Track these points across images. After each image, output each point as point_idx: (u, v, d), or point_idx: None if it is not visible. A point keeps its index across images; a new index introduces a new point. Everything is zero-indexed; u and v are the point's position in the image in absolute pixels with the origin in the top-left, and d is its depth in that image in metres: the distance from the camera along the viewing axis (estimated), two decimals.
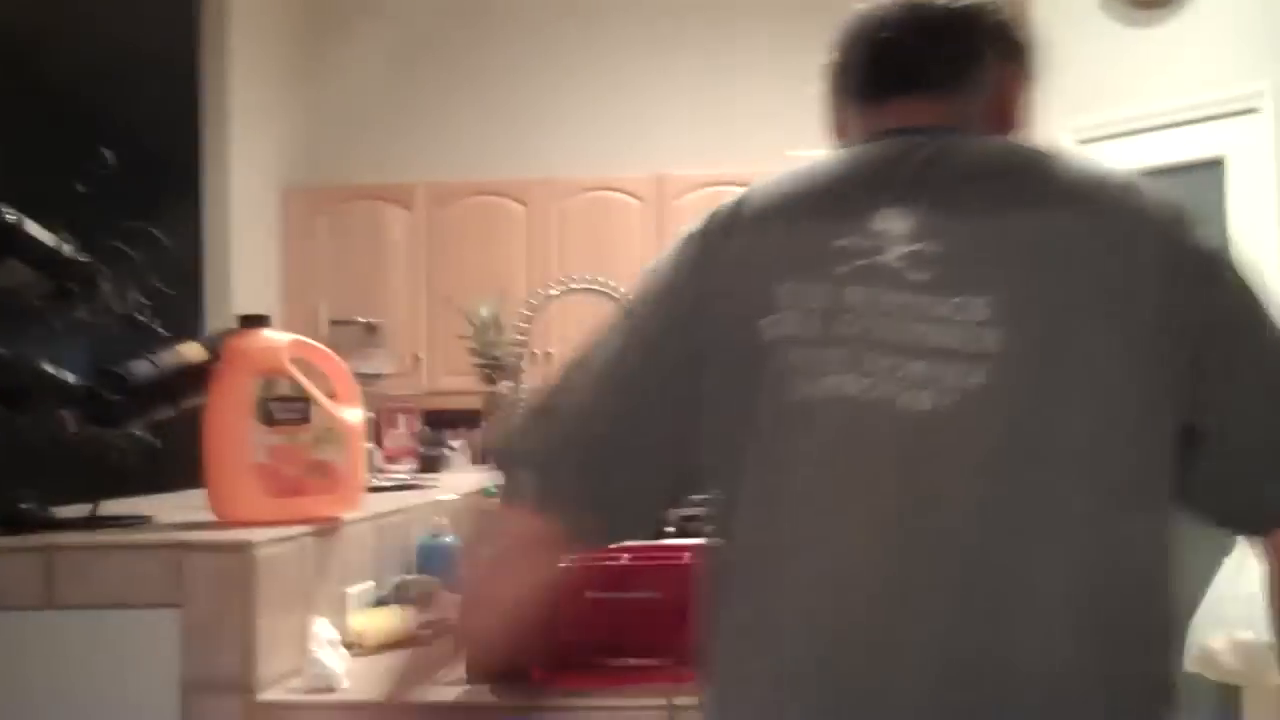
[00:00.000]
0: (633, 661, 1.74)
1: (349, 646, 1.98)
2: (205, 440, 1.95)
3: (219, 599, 1.74)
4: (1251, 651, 3.32)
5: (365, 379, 2.67)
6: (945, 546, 1.20)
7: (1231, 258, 1.32)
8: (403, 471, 3.58)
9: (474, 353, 3.77)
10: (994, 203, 1.28)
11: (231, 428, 1.93)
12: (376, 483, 2.87)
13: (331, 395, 2.05)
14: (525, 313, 3.04)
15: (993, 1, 1.45)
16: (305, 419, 1.97)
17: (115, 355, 1.98)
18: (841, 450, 1.25)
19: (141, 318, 1.99)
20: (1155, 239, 1.27)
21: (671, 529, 2.22)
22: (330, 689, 1.81)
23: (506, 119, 6.29)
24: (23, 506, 1.93)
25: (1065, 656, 1.20)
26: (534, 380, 3.44)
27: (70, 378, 1.93)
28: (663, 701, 1.68)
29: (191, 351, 2.02)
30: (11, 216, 1.81)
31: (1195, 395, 1.26)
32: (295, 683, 1.83)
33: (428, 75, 6.32)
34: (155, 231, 1.96)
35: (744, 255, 1.34)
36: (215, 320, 5.23)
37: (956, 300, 1.24)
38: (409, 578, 2.32)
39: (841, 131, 1.47)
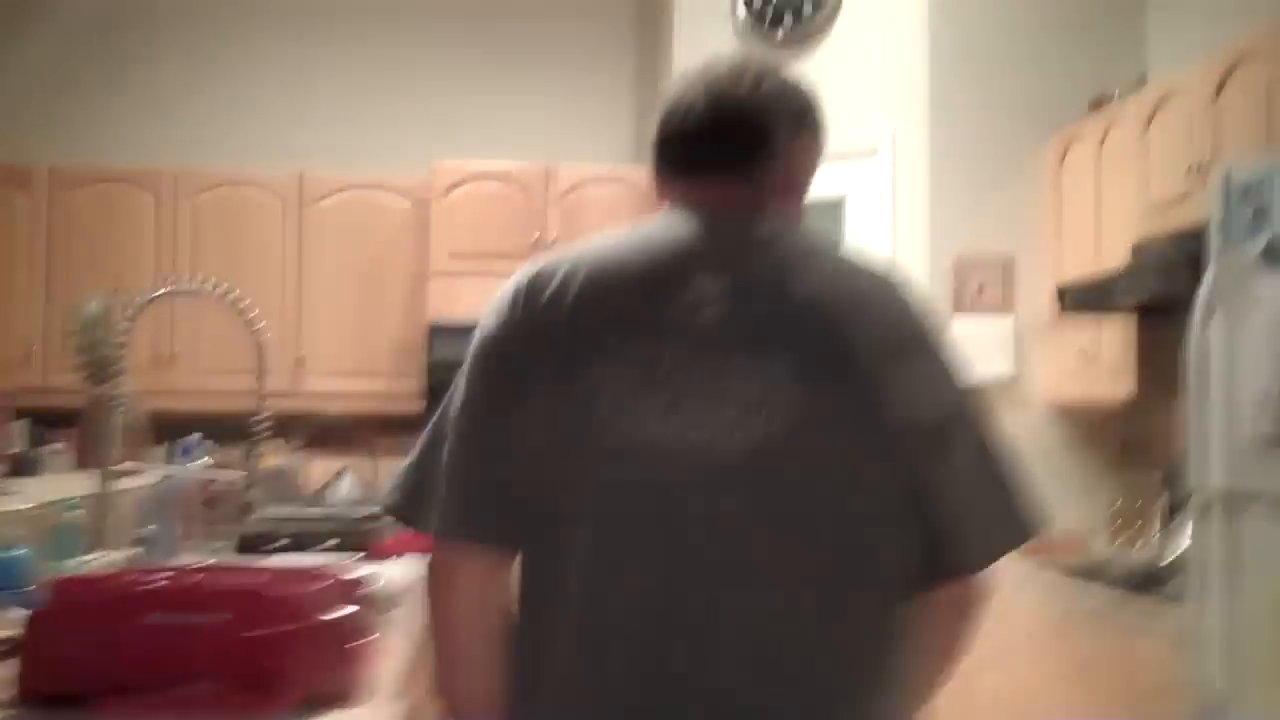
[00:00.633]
0: (195, 687, 1.65)
1: None
2: None
3: None
4: None
5: None
6: (730, 565, 1.46)
7: (943, 341, 1.58)
8: None
9: (79, 350, 3.55)
10: (783, 281, 1.53)
11: None
12: None
13: None
14: (128, 312, 2.88)
15: (785, 81, 1.71)
16: None
17: None
18: (656, 486, 1.47)
19: None
20: (890, 322, 1.54)
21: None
22: None
23: (143, 104, 5.96)
24: None
25: (799, 700, 1.45)
26: (140, 384, 3.28)
27: None
28: None
29: None
30: None
31: (911, 462, 1.51)
32: None
33: (55, 47, 5.92)
34: None
35: (570, 312, 1.53)
36: None
37: (756, 359, 1.49)
38: None
39: (661, 195, 1.69)
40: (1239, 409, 2.42)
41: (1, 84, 5.87)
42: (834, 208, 4.88)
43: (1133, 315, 4.08)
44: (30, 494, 2.68)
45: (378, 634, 2.05)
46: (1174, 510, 3.82)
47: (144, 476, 3.03)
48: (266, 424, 3.01)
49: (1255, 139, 3.11)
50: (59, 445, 3.80)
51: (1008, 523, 1.57)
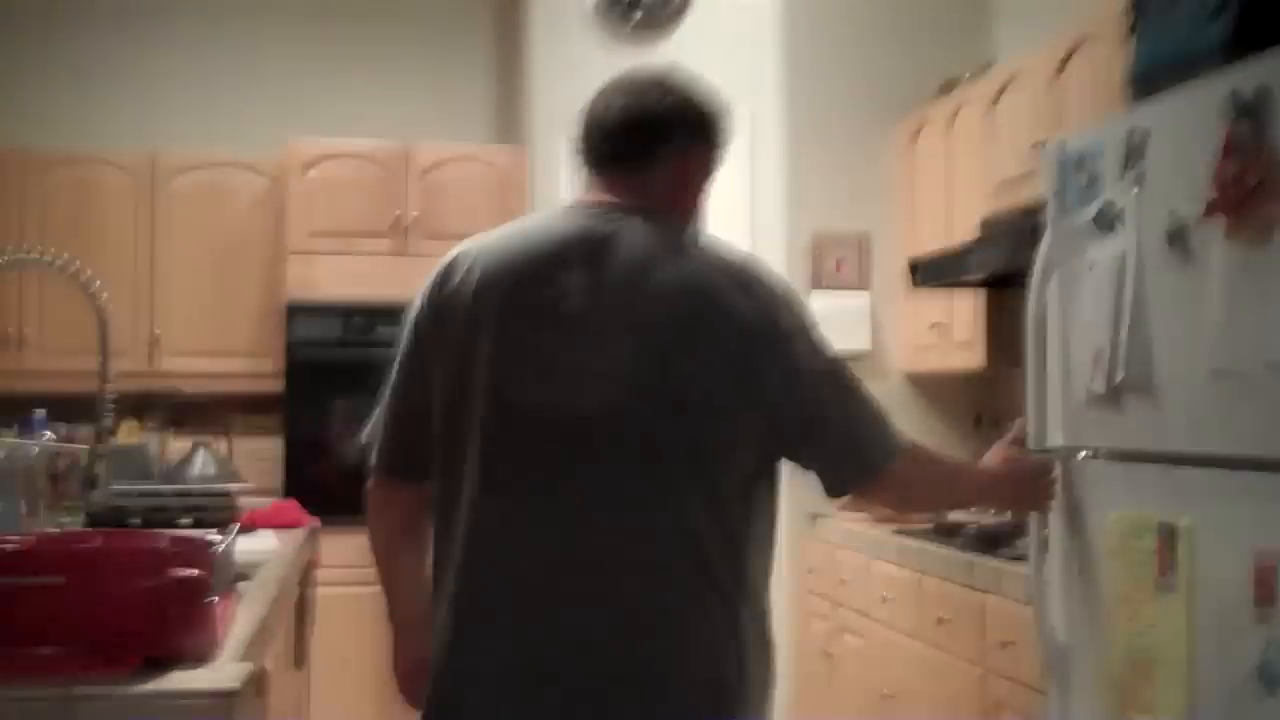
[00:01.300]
0: (30, 650, 1.63)
1: None
2: None
3: None
4: None
5: None
6: (585, 507, 1.83)
7: (790, 318, 1.89)
8: None
9: None
10: (643, 271, 1.85)
11: None
12: None
13: None
14: None
15: (690, 95, 2.01)
16: None
17: None
18: (526, 439, 1.85)
19: None
20: (736, 306, 1.84)
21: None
22: None
23: None
24: None
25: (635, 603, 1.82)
26: None
27: None
28: (60, 692, 1.59)
29: None
30: None
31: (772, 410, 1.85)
32: None
33: None
34: None
35: (470, 294, 1.89)
36: None
37: (610, 339, 1.83)
38: None
39: (583, 188, 2.01)
40: (1074, 370, 2.51)
41: None
42: None
43: (982, 288, 4.20)
44: None
45: (226, 598, 2.03)
46: None
47: None
48: (113, 401, 2.96)
49: (1094, 117, 3.22)
50: None
51: (881, 443, 1.93)
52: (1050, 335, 2.58)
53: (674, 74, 2.04)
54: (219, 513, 3.22)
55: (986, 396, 4.72)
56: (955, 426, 4.87)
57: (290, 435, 5.32)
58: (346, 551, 4.73)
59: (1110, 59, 3.33)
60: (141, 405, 5.22)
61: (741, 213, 4.88)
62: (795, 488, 2.05)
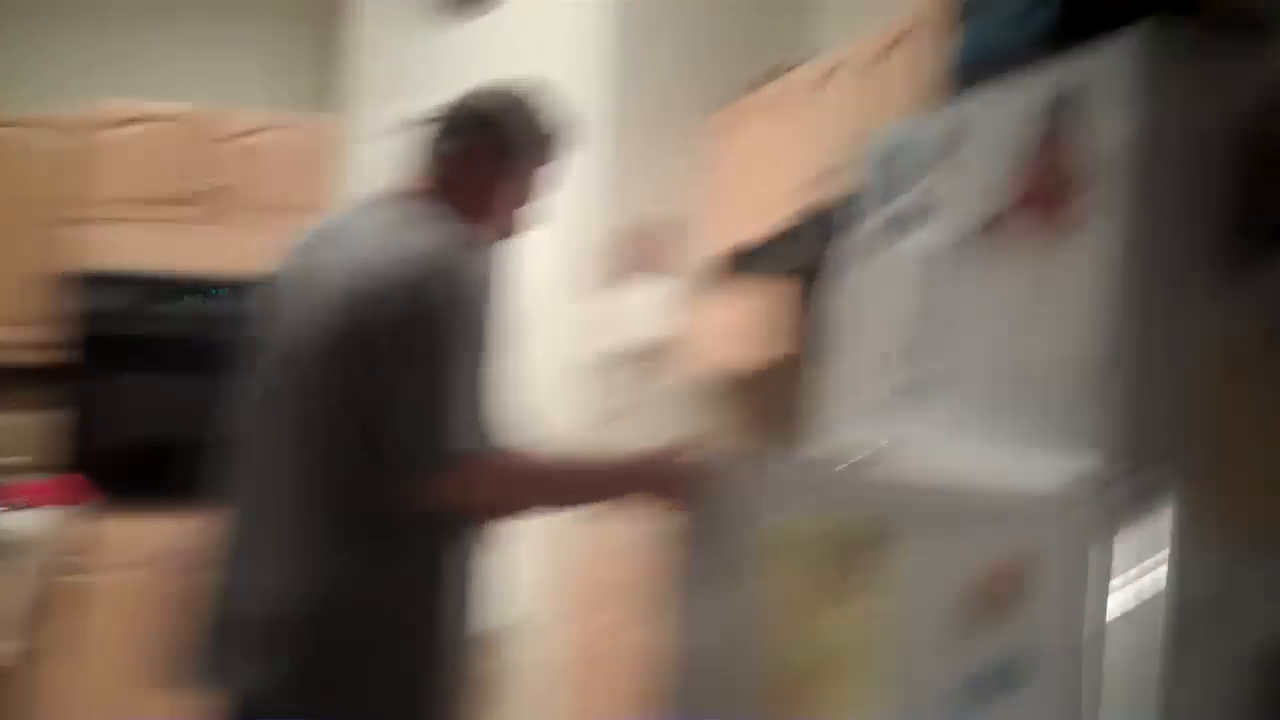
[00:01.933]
0: None
1: None
2: None
3: None
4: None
5: None
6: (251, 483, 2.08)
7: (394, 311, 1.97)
8: None
9: None
10: (340, 260, 2.04)
11: None
12: None
13: None
14: None
15: (502, 100, 2.25)
16: None
17: None
18: (252, 424, 2.11)
19: None
20: (368, 299, 1.97)
21: None
22: None
23: None
24: None
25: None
26: None
27: None
28: None
29: None
30: None
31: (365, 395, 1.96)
32: None
33: None
34: None
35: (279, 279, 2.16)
36: None
37: (297, 327, 2.03)
38: None
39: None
40: (867, 367, 2.49)
41: None
42: None
43: (789, 282, 4.19)
44: None
45: None
46: None
47: None
48: None
49: (917, 109, 3.23)
50: None
51: (428, 448, 1.94)
52: (847, 330, 2.56)
53: (522, 86, 2.28)
54: None
55: (782, 389, 4.71)
56: (752, 418, 4.87)
57: (78, 410, 5.05)
58: (132, 534, 4.58)
59: (934, 50, 3.35)
60: None
61: (553, 199, 4.80)
62: None
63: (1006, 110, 2.16)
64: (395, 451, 1.94)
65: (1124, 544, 1.72)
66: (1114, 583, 1.70)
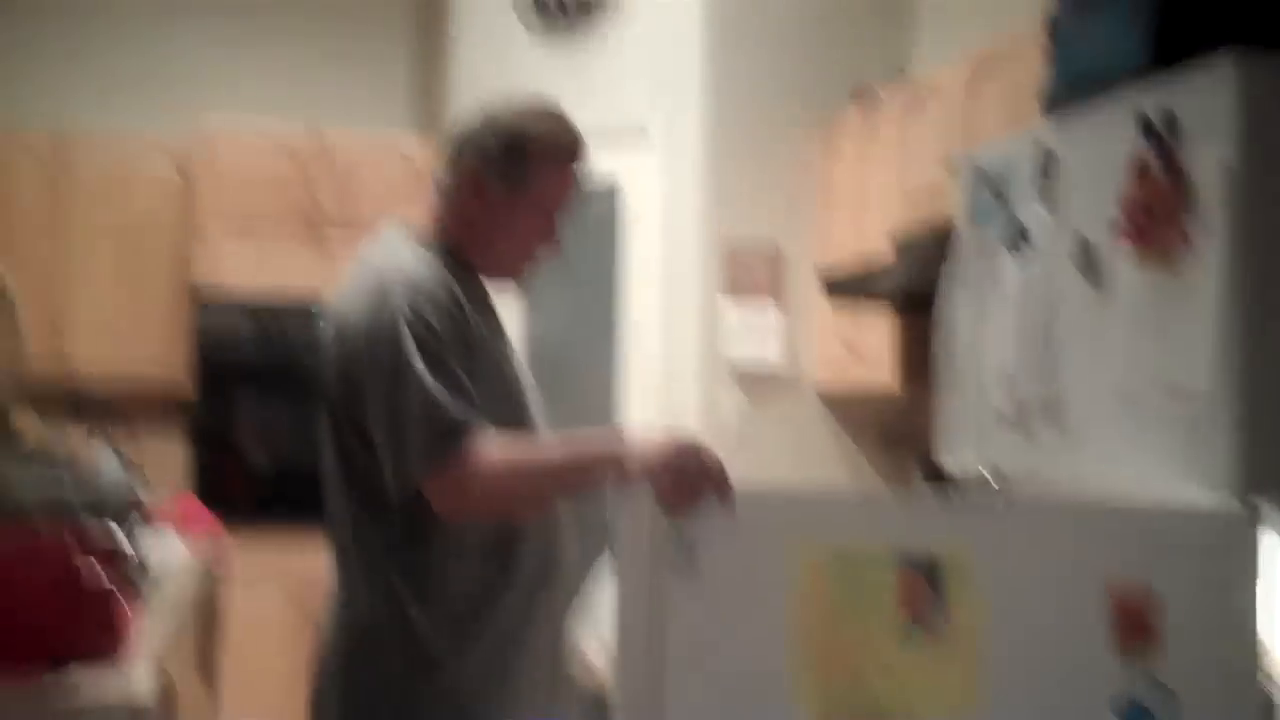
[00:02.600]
0: None
1: None
2: None
3: None
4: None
5: None
6: None
7: (379, 336, 1.92)
8: None
9: None
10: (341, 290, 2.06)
11: None
12: None
13: None
14: None
15: (479, 120, 2.08)
16: None
17: None
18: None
19: None
20: (343, 328, 1.99)
21: None
22: None
23: None
24: None
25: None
26: None
27: None
28: None
29: None
30: None
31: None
32: None
33: None
34: None
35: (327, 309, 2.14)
36: None
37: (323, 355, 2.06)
38: None
39: None
40: (982, 389, 2.52)
41: None
42: (609, 195, 4.93)
43: (895, 305, 4.22)
44: None
45: (135, 597, 2.01)
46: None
47: None
48: (18, 394, 2.90)
49: (1009, 131, 3.26)
50: None
51: (406, 462, 1.88)
52: (960, 353, 2.60)
53: (519, 99, 2.14)
54: (122, 511, 3.17)
55: (896, 416, 4.73)
56: (862, 443, 4.91)
57: (197, 436, 5.21)
58: (254, 559, 4.69)
59: (1027, 73, 3.38)
60: (42, 399, 5.11)
61: (654, 220, 4.89)
62: None
63: (1099, 136, 2.19)
64: (389, 468, 1.91)
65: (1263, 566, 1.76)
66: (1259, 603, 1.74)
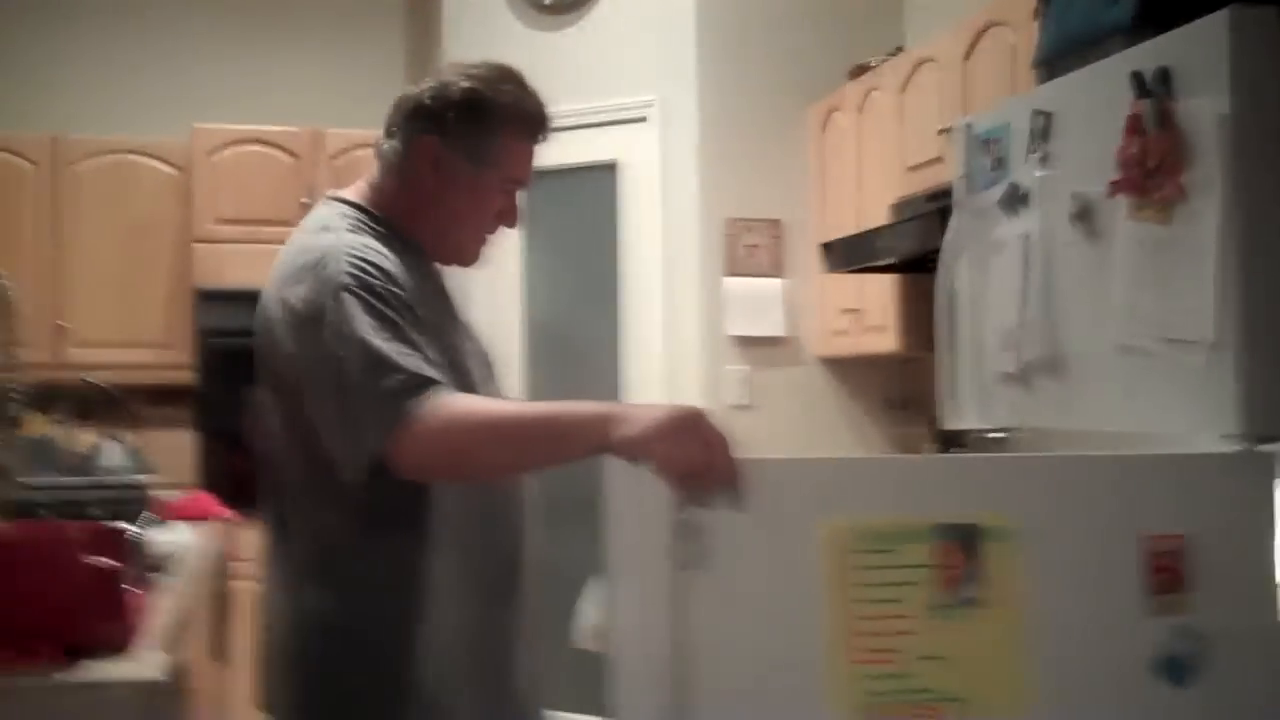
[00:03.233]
0: None
1: None
2: None
3: None
4: None
5: None
6: None
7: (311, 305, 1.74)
8: None
9: None
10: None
11: None
12: None
13: None
14: None
15: (429, 83, 1.92)
16: None
17: None
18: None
19: None
20: (278, 296, 1.80)
21: None
22: None
23: None
24: None
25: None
26: None
27: None
28: None
29: None
30: None
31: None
32: None
33: None
34: None
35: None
36: None
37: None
38: None
39: None
40: (985, 351, 2.54)
41: None
42: (606, 172, 4.94)
43: (894, 272, 4.24)
44: None
45: (143, 588, 2.02)
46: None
47: None
48: (19, 392, 2.91)
49: (1003, 99, 3.26)
50: None
51: (359, 428, 1.67)
52: (960, 317, 2.61)
53: (487, 65, 1.98)
54: (131, 504, 3.18)
55: (901, 380, 4.78)
56: (869, 409, 4.93)
57: (201, 427, 5.24)
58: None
59: (1019, 41, 3.39)
60: (47, 397, 5.13)
61: (653, 197, 4.90)
62: None
63: (1092, 96, 2.20)
64: (340, 445, 1.71)
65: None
66: None
